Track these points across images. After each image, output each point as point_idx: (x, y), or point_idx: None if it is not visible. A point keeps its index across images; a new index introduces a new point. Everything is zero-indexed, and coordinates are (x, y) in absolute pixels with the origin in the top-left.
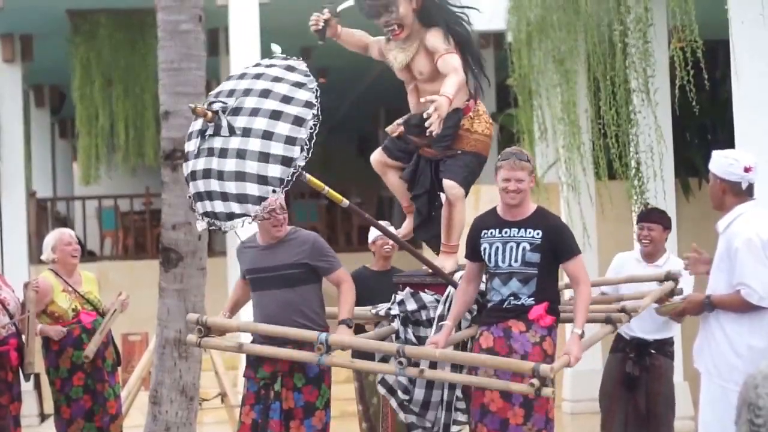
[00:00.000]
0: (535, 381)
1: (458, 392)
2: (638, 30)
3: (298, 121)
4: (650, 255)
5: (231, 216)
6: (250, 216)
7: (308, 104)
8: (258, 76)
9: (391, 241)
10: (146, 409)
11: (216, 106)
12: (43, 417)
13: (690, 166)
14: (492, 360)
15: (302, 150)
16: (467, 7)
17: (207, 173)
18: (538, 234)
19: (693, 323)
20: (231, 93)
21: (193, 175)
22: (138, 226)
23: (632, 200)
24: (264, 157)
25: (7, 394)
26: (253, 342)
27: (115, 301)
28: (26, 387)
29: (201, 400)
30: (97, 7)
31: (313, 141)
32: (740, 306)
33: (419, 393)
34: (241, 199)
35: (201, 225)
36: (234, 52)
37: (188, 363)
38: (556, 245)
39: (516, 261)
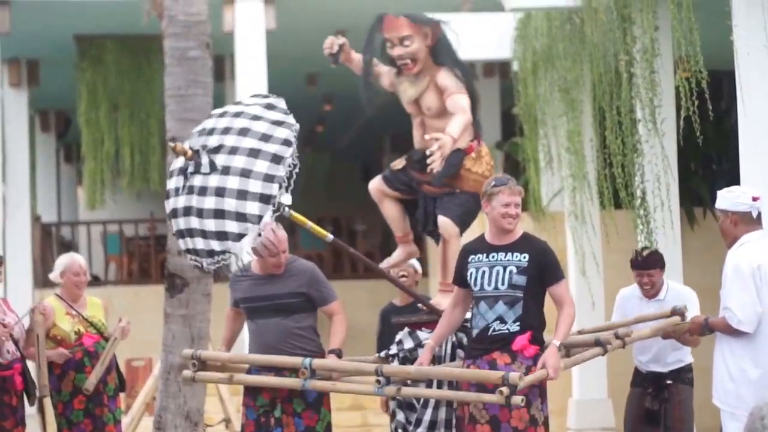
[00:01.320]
0: (504, 389)
1: None
2: (644, 60)
3: (276, 159)
4: (650, 294)
5: (212, 253)
6: (230, 252)
7: (286, 142)
8: (238, 115)
9: (406, 272)
10: None
11: (195, 145)
12: None
13: (694, 196)
14: (462, 373)
15: (280, 187)
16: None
17: (187, 211)
18: (524, 257)
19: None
20: (211, 131)
21: (174, 213)
22: (142, 252)
23: (638, 230)
24: (242, 195)
25: (12, 419)
26: (249, 372)
27: (116, 328)
28: (29, 411)
29: (205, 425)
30: (104, 32)
31: (292, 179)
32: (725, 329)
33: (428, 413)
34: (221, 236)
35: (173, 239)
36: (240, 78)
37: (193, 389)
38: (543, 269)
39: (503, 284)
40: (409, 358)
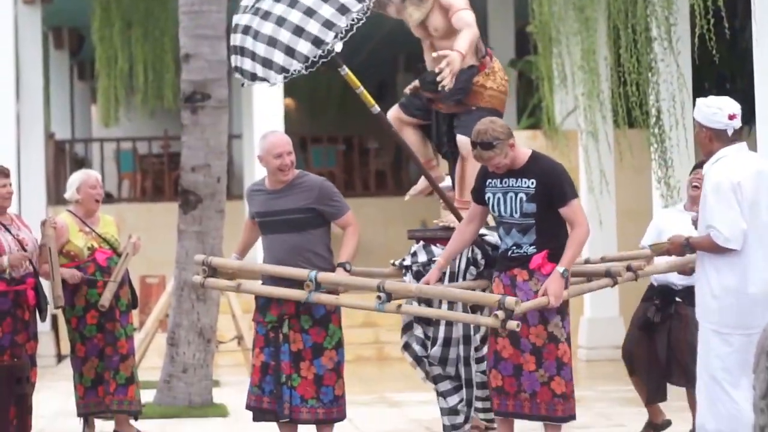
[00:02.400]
0: (500, 313)
1: (478, 392)
2: None
3: (343, 9)
4: (696, 203)
5: (254, 77)
6: (269, 82)
7: None
8: None
9: None
10: (163, 351)
11: None
12: (59, 357)
13: None
14: (461, 294)
15: (336, 36)
16: None
17: (246, 30)
18: (532, 183)
19: None
20: None
21: (236, 28)
22: (156, 169)
23: (651, 148)
24: (298, 31)
25: (24, 333)
26: (262, 284)
27: (127, 244)
28: (43, 328)
29: (218, 342)
30: None
31: (351, 33)
32: (711, 248)
33: (436, 350)
34: (266, 63)
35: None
36: None
37: (206, 305)
38: (550, 192)
39: (516, 212)
40: (422, 272)
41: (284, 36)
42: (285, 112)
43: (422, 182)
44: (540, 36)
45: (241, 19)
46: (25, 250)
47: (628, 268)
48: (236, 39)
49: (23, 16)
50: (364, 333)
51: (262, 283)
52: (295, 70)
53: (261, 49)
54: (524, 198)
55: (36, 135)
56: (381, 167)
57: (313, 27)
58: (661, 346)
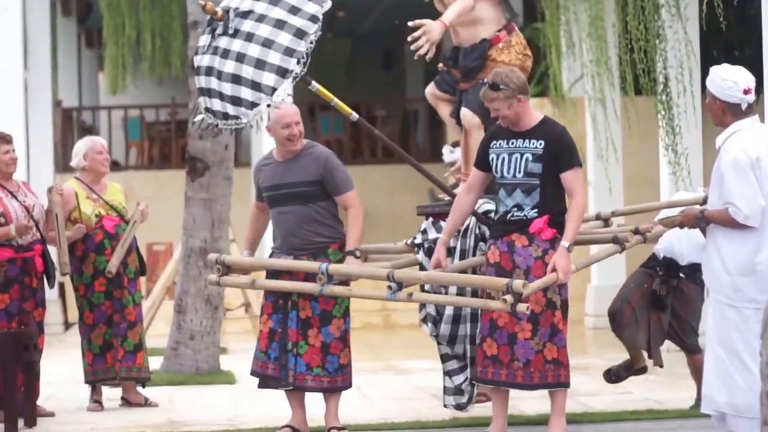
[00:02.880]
0: (509, 297)
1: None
2: None
3: (300, 34)
4: None
5: (226, 116)
6: (241, 119)
7: (313, 18)
8: None
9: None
10: (171, 319)
11: (227, 5)
12: (67, 325)
13: None
14: (469, 279)
15: (299, 63)
16: None
17: (209, 71)
18: (540, 144)
19: None
20: None
21: (198, 71)
22: (163, 137)
23: (659, 115)
24: (260, 65)
25: (32, 300)
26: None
27: (135, 211)
28: (51, 296)
29: (225, 309)
30: None
31: (309, 55)
32: (728, 222)
33: (445, 329)
34: (236, 101)
35: (199, 117)
36: None
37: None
38: (557, 154)
39: (519, 172)
40: (433, 248)
41: (247, 71)
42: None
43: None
44: (547, 3)
45: (201, 60)
46: (32, 217)
47: (636, 231)
48: (201, 81)
49: None
50: (371, 301)
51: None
52: (265, 103)
53: (227, 88)
54: (530, 158)
55: (43, 102)
56: (388, 135)
57: (274, 57)
58: (665, 319)
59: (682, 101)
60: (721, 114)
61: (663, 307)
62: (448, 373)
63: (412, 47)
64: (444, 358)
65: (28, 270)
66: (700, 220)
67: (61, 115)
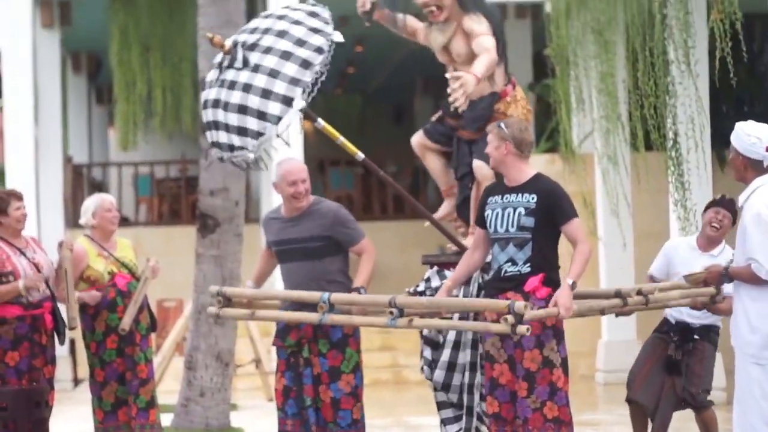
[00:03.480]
0: (510, 317)
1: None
2: (679, 1)
3: (305, 64)
4: (710, 243)
5: (232, 148)
6: (248, 149)
7: (319, 50)
8: (281, 17)
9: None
10: (180, 375)
11: (236, 40)
12: (76, 381)
13: (726, 138)
14: (470, 302)
15: (304, 92)
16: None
17: (216, 103)
18: (533, 198)
19: None
20: (253, 30)
21: (205, 104)
22: (173, 193)
23: (669, 171)
24: (266, 94)
25: (42, 357)
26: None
27: (145, 267)
28: (61, 352)
29: (236, 365)
30: None
31: (317, 87)
32: (751, 279)
33: (439, 375)
34: (241, 132)
35: (213, 153)
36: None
37: (224, 329)
38: (552, 209)
39: (512, 226)
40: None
41: (253, 101)
42: (303, 135)
43: (444, 207)
44: (557, 59)
45: (208, 94)
46: (41, 273)
47: (639, 292)
48: (208, 114)
49: (42, 39)
50: (382, 357)
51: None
52: (270, 133)
53: (233, 118)
54: (523, 212)
55: (54, 159)
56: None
57: (280, 87)
58: (679, 383)
59: (692, 157)
60: (743, 170)
61: (678, 371)
62: (443, 422)
63: (450, 99)
64: (440, 406)
65: (38, 327)
66: (724, 277)
67: (71, 171)
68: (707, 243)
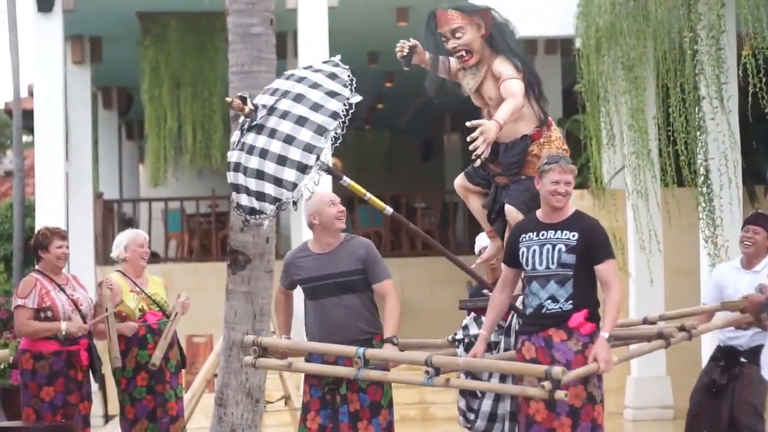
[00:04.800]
0: (547, 384)
1: None
2: (710, 37)
3: (320, 130)
4: (750, 260)
5: (252, 211)
6: (266, 214)
7: (334, 115)
8: (300, 80)
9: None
10: (210, 412)
11: (257, 102)
12: (107, 418)
13: (756, 173)
14: (507, 365)
15: (318, 158)
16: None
17: (237, 167)
18: (574, 236)
19: None
20: (274, 92)
21: (228, 166)
22: (203, 229)
23: (700, 207)
24: (282, 161)
25: (77, 393)
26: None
27: (176, 303)
28: (94, 387)
29: (266, 402)
30: (166, 9)
31: (334, 144)
32: None
33: (480, 425)
34: (260, 196)
35: (235, 214)
36: (303, 55)
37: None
38: (591, 246)
39: (553, 263)
40: (474, 343)
41: (269, 167)
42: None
43: (490, 249)
44: (588, 95)
45: (231, 156)
46: (80, 311)
47: (681, 328)
48: (231, 177)
49: (73, 75)
50: (409, 393)
51: (308, 359)
52: (286, 198)
53: (252, 183)
54: (563, 249)
55: (84, 195)
56: (428, 227)
57: (295, 153)
58: (725, 408)
59: (725, 193)
60: None
61: (723, 397)
62: None
63: (471, 147)
64: None
65: (73, 363)
66: (766, 307)
67: (101, 207)
68: (747, 261)
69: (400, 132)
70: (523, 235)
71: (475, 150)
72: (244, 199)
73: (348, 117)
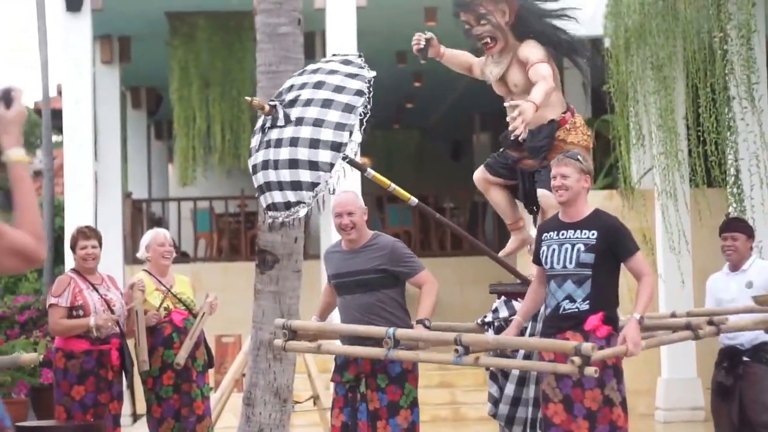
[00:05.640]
0: (576, 359)
1: None
2: (740, 37)
3: (348, 108)
4: (736, 265)
5: (288, 205)
6: (305, 203)
7: (359, 92)
8: (315, 71)
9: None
10: (239, 411)
11: (273, 101)
12: (135, 417)
13: None
14: (537, 342)
15: (351, 135)
16: (564, 16)
17: (265, 164)
18: (593, 234)
19: None
20: (290, 88)
21: (254, 169)
22: (232, 228)
23: (730, 208)
24: (314, 144)
25: (107, 393)
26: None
27: (204, 303)
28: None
29: (294, 402)
30: (195, 9)
31: (363, 127)
32: None
33: (503, 409)
34: (295, 186)
35: (268, 216)
36: (331, 55)
37: (282, 365)
38: (614, 246)
39: (570, 262)
40: (503, 327)
41: (303, 153)
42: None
43: (512, 243)
44: (617, 95)
45: (255, 159)
46: (112, 311)
47: (710, 323)
48: (258, 179)
49: (101, 75)
50: (441, 393)
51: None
52: (325, 181)
53: (285, 174)
54: (582, 248)
55: (113, 194)
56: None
57: (327, 134)
58: (735, 411)
59: (756, 193)
60: None
61: (731, 399)
62: None
63: (510, 128)
64: None
65: (104, 363)
66: None
67: (130, 206)
68: (733, 265)
69: (430, 132)
70: (545, 234)
71: (513, 130)
72: (278, 195)
73: (371, 94)
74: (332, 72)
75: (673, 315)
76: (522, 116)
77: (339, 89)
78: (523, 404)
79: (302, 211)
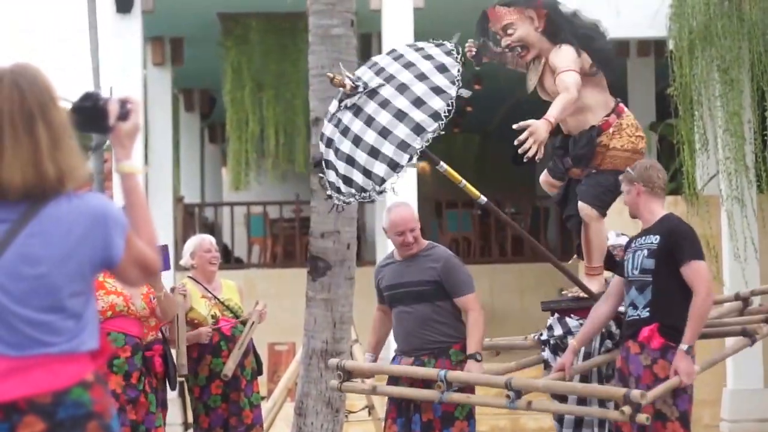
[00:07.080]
0: (626, 408)
1: None
2: None
3: (418, 129)
4: None
5: (338, 191)
6: (349, 199)
7: (435, 115)
8: (408, 66)
9: None
10: (291, 420)
11: (360, 77)
12: (186, 425)
13: None
14: (587, 388)
15: (411, 159)
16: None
17: (329, 142)
18: (656, 239)
19: None
20: (379, 71)
21: (322, 137)
22: (287, 234)
23: None
24: (374, 153)
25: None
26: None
27: (253, 311)
28: (171, 395)
29: (347, 412)
30: (248, 10)
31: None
32: None
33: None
34: (347, 181)
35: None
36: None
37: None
38: (673, 249)
39: (636, 268)
40: (560, 345)
41: (361, 157)
42: (419, 175)
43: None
44: (681, 98)
45: (326, 128)
46: (156, 316)
47: (767, 320)
48: (322, 148)
49: (153, 77)
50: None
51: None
52: (373, 191)
53: (341, 166)
54: (645, 254)
55: (165, 199)
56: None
57: (388, 149)
58: None
59: None
60: None
61: None
62: None
63: (520, 151)
64: None
65: (147, 369)
66: None
67: (182, 211)
68: None
69: (491, 135)
70: (630, 242)
71: (525, 153)
72: (332, 176)
73: (449, 117)
74: (422, 77)
75: (738, 297)
76: (533, 137)
77: (419, 102)
78: (587, 426)
79: (351, 200)
